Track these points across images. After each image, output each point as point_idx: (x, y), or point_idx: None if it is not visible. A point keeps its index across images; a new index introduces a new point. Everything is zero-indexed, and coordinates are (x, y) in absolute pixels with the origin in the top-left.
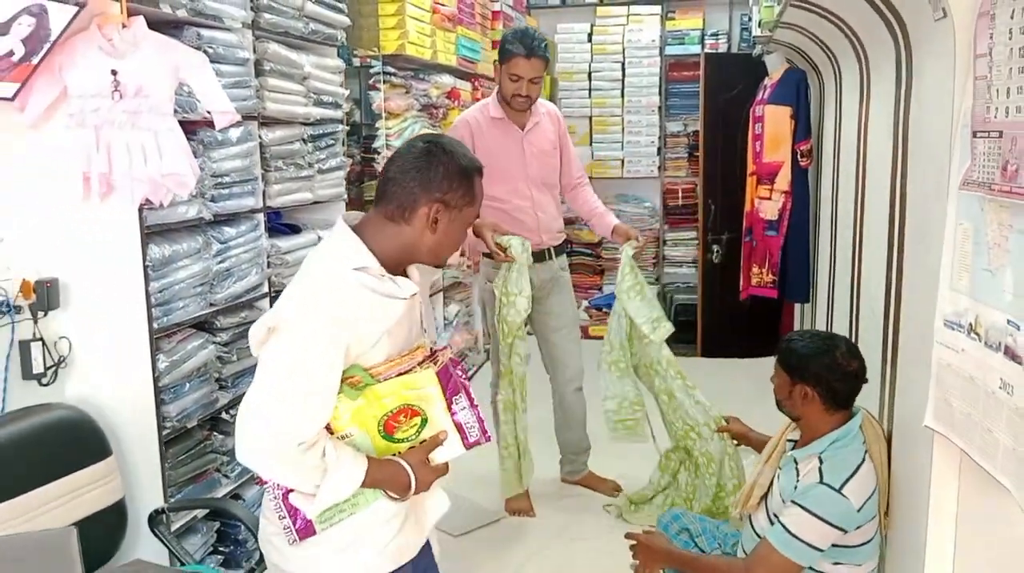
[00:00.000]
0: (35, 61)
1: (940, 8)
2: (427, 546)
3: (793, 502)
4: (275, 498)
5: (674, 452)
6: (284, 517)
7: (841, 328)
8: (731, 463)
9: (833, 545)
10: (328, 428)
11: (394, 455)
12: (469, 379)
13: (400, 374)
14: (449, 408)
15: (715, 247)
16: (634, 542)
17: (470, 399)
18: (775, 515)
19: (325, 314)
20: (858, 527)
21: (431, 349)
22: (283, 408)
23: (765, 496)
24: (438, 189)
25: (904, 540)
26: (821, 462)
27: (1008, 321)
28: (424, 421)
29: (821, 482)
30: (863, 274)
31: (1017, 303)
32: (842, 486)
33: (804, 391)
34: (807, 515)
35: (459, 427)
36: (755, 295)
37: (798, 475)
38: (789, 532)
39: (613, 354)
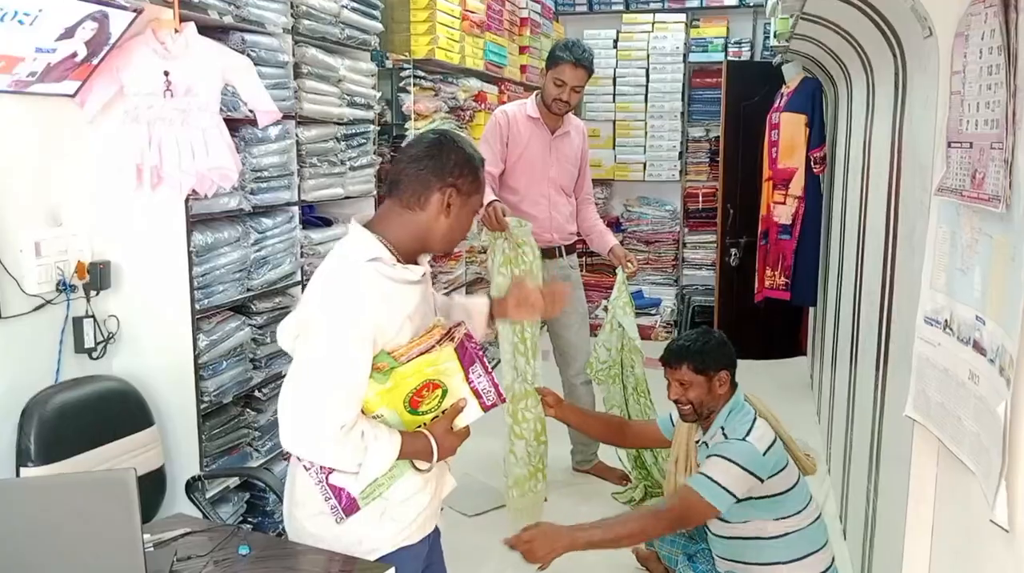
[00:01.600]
0: (95, 62)
1: (927, 27)
2: (436, 534)
3: (706, 458)
4: (320, 482)
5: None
6: (330, 498)
7: (845, 331)
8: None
9: (761, 497)
10: (361, 410)
11: (421, 426)
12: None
13: (421, 353)
14: (467, 377)
15: (733, 250)
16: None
17: (484, 367)
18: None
19: (348, 312)
20: (772, 475)
21: (447, 327)
22: (321, 400)
23: None
24: (450, 174)
25: (888, 521)
26: (723, 429)
27: (976, 316)
28: (445, 392)
29: (727, 438)
30: (865, 278)
31: (984, 300)
32: (744, 437)
33: (721, 378)
34: (720, 460)
35: (476, 393)
36: (769, 297)
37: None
38: (706, 476)
39: (607, 362)
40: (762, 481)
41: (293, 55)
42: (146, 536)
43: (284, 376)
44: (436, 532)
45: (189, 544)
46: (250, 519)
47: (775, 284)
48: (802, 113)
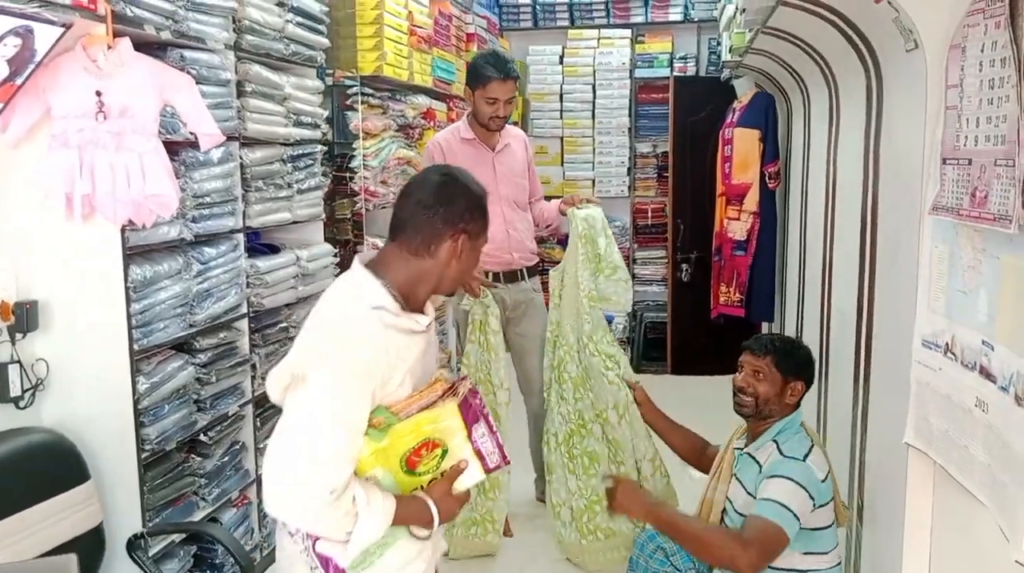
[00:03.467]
0: (19, 82)
1: (912, 39)
2: None
3: (767, 478)
4: (305, 549)
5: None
6: (316, 568)
7: (812, 347)
8: (641, 443)
9: (805, 529)
10: (354, 471)
11: (419, 488)
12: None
13: (422, 409)
14: (469, 437)
15: (684, 266)
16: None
17: (489, 426)
18: (758, 498)
19: (351, 363)
20: (821, 506)
21: (451, 382)
22: (313, 460)
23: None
24: (461, 219)
25: (881, 552)
26: (778, 445)
27: (983, 341)
28: (444, 452)
29: (784, 456)
30: (833, 295)
31: (991, 324)
32: (805, 457)
33: (795, 387)
34: (784, 481)
35: (479, 454)
36: (724, 314)
37: (759, 464)
38: (776, 501)
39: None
40: (813, 508)
41: (236, 72)
42: None
43: (231, 417)
44: None
45: None
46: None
47: (730, 300)
48: (756, 128)
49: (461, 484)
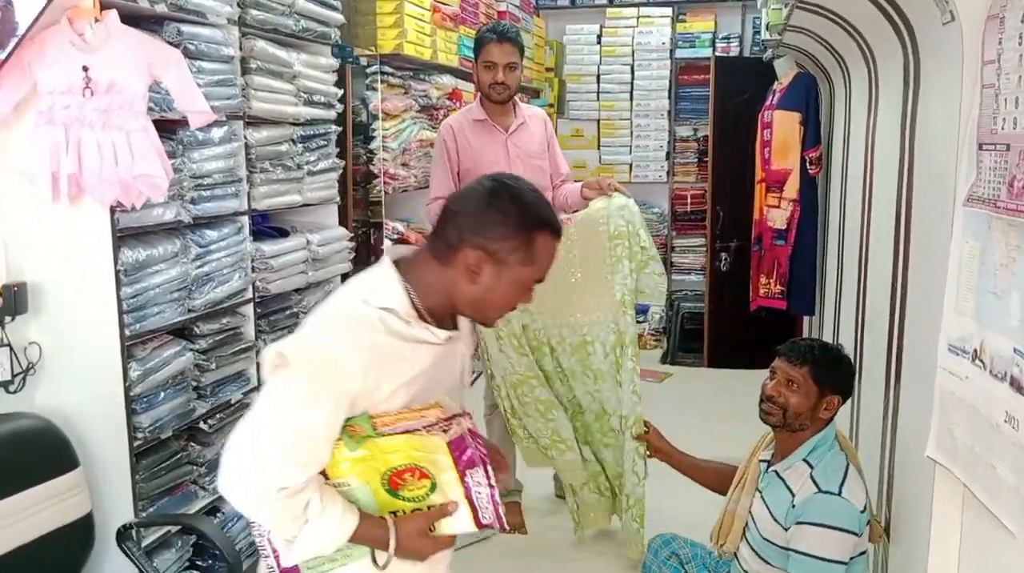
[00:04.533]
0: (2, 56)
1: (948, 11)
2: None
3: (799, 524)
4: (260, 535)
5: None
6: (268, 557)
7: (846, 344)
8: (635, 461)
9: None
10: (324, 473)
11: (395, 513)
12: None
13: (407, 431)
14: (462, 480)
15: (723, 255)
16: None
17: (487, 476)
18: (792, 548)
19: (333, 360)
20: (860, 535)
21: (449, 413)
22: (269, 449)
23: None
24: (485, 236)
25: (905, 572)
26: (811, 468)
27: (1015, 349)
28: (434, 485)
29: (820, 491)
30: (868, 290)
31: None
32: (840, 489)
33: (830, 402)
34: (821, 529)
35: (471, 502)
36: (764, 306)
37: (790, 490)
38: (811, 556)
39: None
40: (859, 537)
41: (240, 48)
42: None
43: (234, 404)
44: None
45: None
46: (199, 563)
47: (771, 292)
48: (796, 111)
49: (446, 527)
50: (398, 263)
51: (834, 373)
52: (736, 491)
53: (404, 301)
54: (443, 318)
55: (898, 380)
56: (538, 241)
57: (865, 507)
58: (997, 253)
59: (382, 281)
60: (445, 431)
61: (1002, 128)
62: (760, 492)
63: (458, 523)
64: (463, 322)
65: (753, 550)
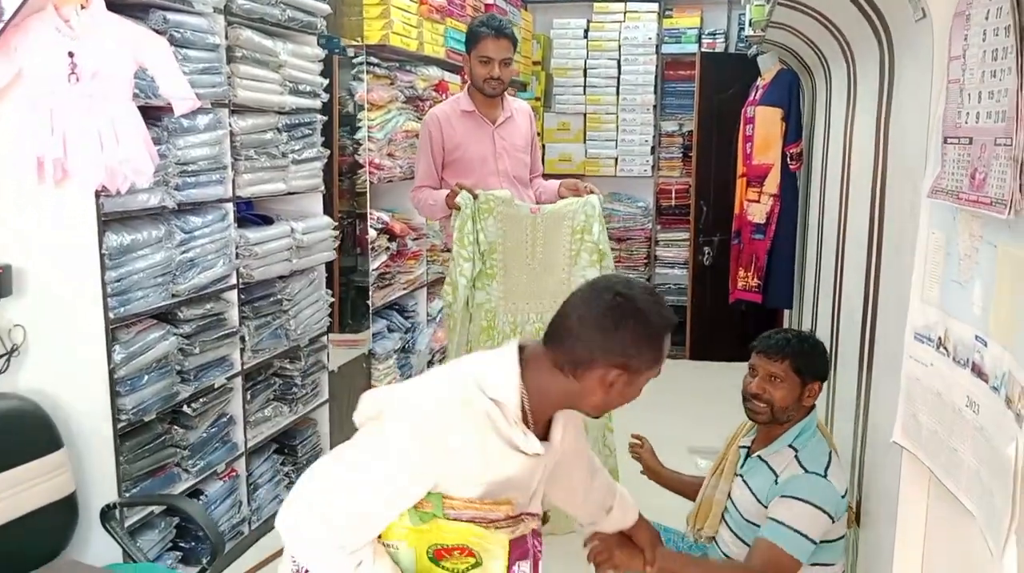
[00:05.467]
0: None
1: (920, 8)
2: None
3: (781, 497)
4: (294, 560)
5: None
6: None
7: (824, 337)
8: (605, 435)
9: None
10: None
11: None
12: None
13: (473, 520)
14: (509, 568)
15: (706, 249)
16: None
17: (535, 569)
18: (768, 517)
19: (430, 439)
20: (838, 520)
21: (519, 511)
22: (340, 509)
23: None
24: (621, 354)
25: (873, 555)
26: (796, 451)
27: (976, 337)
28: (478, 564)
29: (807, 472)
30: (844, 285)
31: (985, 318)
32: (825, 472)
33: (812, 389)
34: (800, 504)
35: None
36: (742, 299)
37: (774, 471)
38: (786, 525)
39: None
40: (833, 522)
41: (226, 37)
42: None
43: (217, 389)
44: None
45: None
46: (181, 544)
47: (748, 285)
48: (778, 107)
49: None
50: (522, 349)
51: (813, 360)
52: (714, 477)
53: (515, 400)
54: (543, 420)
55: (870, 368)
56: (663, 343)
57: (845, 493)
58: (960, 243)
59: (503, 372)
60: (510, 527)
61: (966, 122)
62: (741, 476)
63: None
64: (557, 431)
65: (734, 533)
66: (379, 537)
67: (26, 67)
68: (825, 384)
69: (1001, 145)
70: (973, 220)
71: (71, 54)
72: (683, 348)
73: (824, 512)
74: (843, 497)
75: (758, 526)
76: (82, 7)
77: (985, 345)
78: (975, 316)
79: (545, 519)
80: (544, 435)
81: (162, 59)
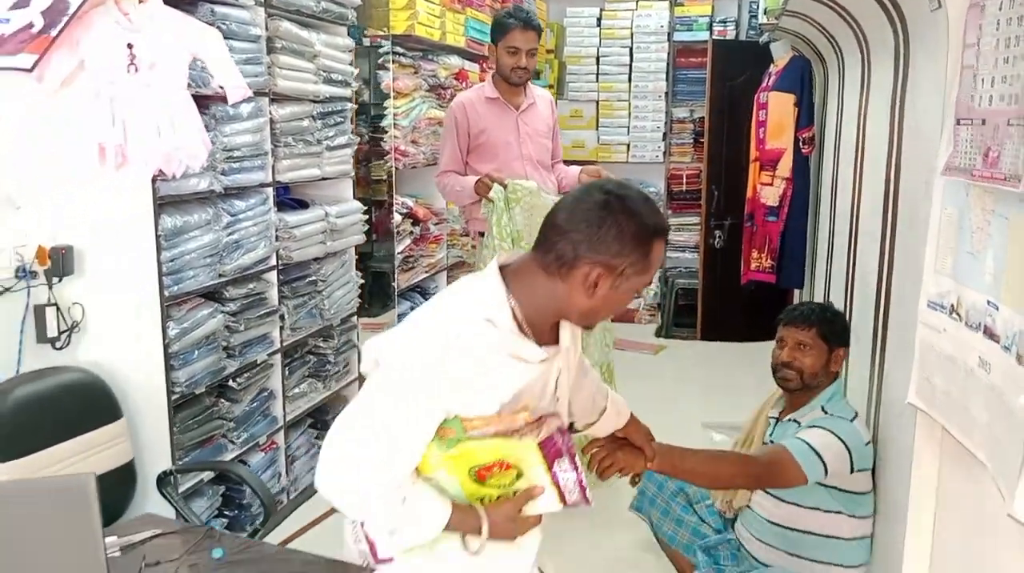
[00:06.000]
0: (53, 33)
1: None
2: None
3: (807, 427)
4: (353, 522)
5: None
6: (360, 542)
7: None
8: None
9: (844, 490)
10: (416, 469)
11: (481, 501)
12: None
13: (498, 434)
14: (549, 469)
15: (717, 233)
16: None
17: (572, 462)
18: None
19: (431, 367)
20: (862, 470)
21: (538, 415)
22: (367, 449)
23: None
24: (605, 251)
25: (888, 513)
26: (825, 411)
27: (988, 301)
28: (519, 475)
29: (832, 416)
30: (858, 263)
31: (997, 284)
32: (851, 420)
33: (839, 355)
34: (820, 430)
35: (557, 485)
36: (755, 280)
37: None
38: (802, 439)
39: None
40: (852, 470)
41: (266, 28)
42: (112, 539)
43: (259, 365)
44: None
45: (158, 547)
46: (226, 512)
47: (761, 266)
48: (791, 92)
49: (533, 509)
50: (503, 268)
51: (837, 327)
52: (743, 446)
53: (507, 314)
54: (543, 328)
55: (884, 338)
56: (653, 248)
57: (869, 443)
58: (974, 218)
59: (487, 291)
60: (534, 431)
61: (979, 105)
62: (770, 440)
63: (544, 504)
64: (566, 333)
65: (770, 495)
66: (419, 473)
67: (88, 58)
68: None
69: (1015, 125)
70: (986, 195)
71: (130, 45)
72: (694, 329)
73: (843, 442)
74: (867, 445)
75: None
76: (140, 1)
77: (997, 309)
78: (987, 283)
79: None
80: (552, 340)
81: (217, 50)
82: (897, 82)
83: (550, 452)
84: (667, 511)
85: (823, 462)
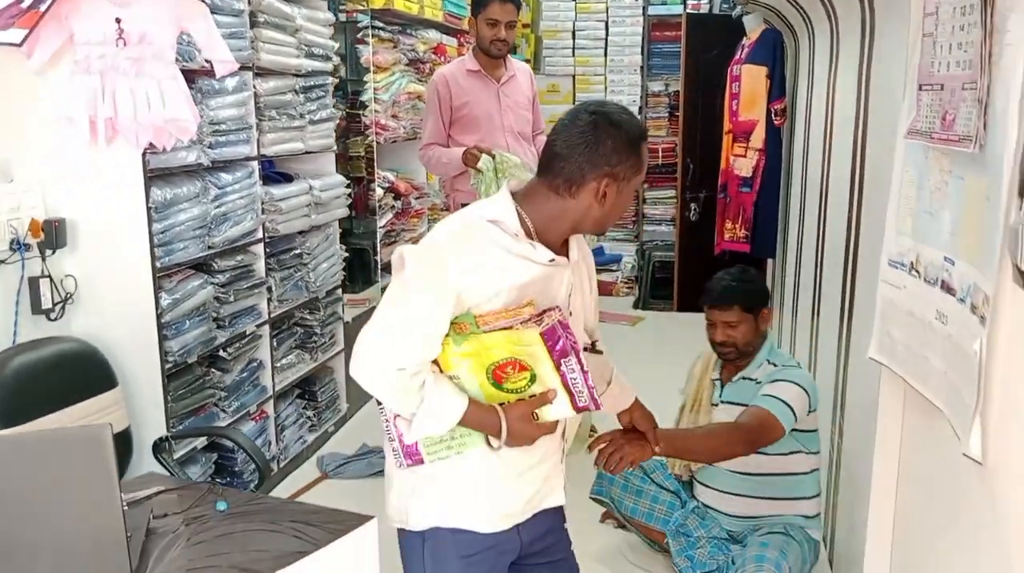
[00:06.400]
0: (42, 8)
1: None
2: (556, 522)
3: (772, 382)
4: (387, 419)
5: None
6: (393, 439)
7: (807, 280)
8: None
9: (803, 430)
10: (439, 366)
11: (501, 404)
12: None
13: (505, 328)
14: (558, 368)
15: (692, 205)
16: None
17: (580, 363)
18: (759, 394)
19: (443, 258)
20: (813, 410)
21: (540, 309)
22: (387, 336)
23: None
24: (607, 163)
25: (855, 462)
26: (772, 363)
27: (945, 257)
28: (533, 377)
29: (784, 366)
30: (828, 227)
31: (953, 241)
32: (797, 365)
33: (763, 315)
34: (786, 383)
35: (568, 388)
36: (729, 250)
37: (756, 381)
38: (774, 396)
39: None
40: (809, 410)
41: (249, 3)
42: None
43: (248, 335)
44: (552, 528)
45: (164, 502)
46: (219, 480)
47: (735, 236)
48: (763, 65)
49: (547, 413)
50: (514, 193)
51: (755, 292)
52: (691, 414)
53: (513, 218)
54: (555, 241)
55: (852, 297)
56: (642, 149)
57: (814, 388)
58: (932, 178)
59: (497, 201)
60: (538, 324)
61: (938, 71)
62: (727, 401)
63: (557, 409)
64: (574, 248)
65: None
66: (443, 370)
67: (77, 33)
68: (809, 315)
69: (968, 89)
70: (943, 157)
71: (118, 20)
72: (671, 301)
73: (803, 389)
74: (815, 387)
75: None
76: None
77: (953, 264)
78: (944, 241)
79: None
80: (563, 254)
81: (205, 24)
82: (864, 50)
83: (554, 347)
84: (626, 486)
85: (794, 412)
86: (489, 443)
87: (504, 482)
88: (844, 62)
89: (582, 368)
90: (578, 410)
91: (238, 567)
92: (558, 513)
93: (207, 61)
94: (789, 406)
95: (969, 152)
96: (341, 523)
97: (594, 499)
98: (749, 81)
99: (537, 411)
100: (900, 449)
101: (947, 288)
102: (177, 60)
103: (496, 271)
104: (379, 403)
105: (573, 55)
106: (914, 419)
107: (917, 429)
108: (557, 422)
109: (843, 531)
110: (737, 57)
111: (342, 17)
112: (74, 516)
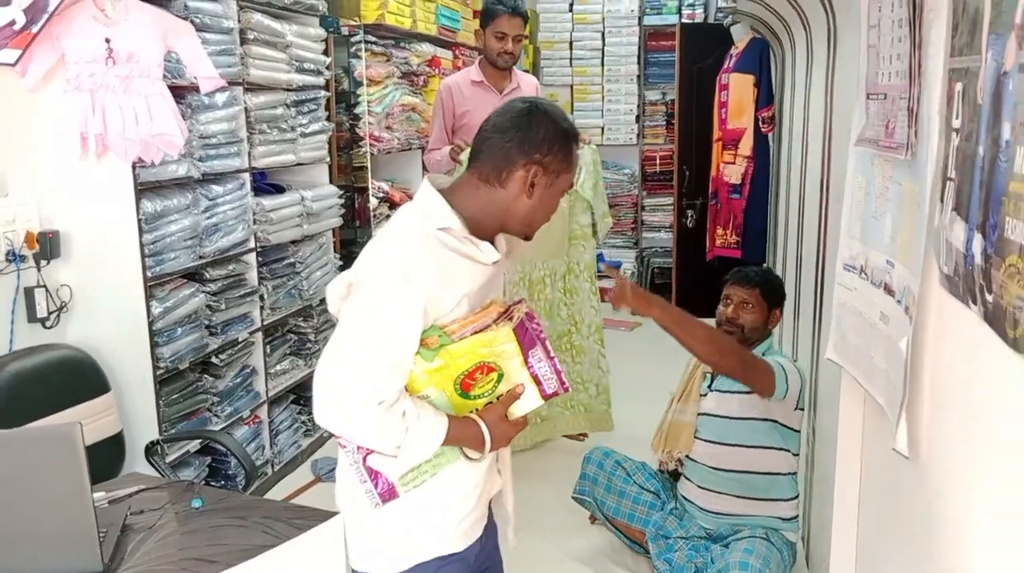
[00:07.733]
0: (35, 30)
1: None
2: (493, 531)
3: (768, 355)
4: (355, 463)
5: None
6: (366, 481)
7: (790, 282)
8: (599, 359)
9: (788, 427)
10: (406, 389)
11: (472, 412)
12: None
13: (476, 332)
14: (526, 361)
15: (689, 212)
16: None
17: (546, 351)
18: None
19: (402, 274)
20: (800, 409)
21: (506, 305)
22: (362, 368)
23: None
24: (537, 150)
25: (824, 461)
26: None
27: (887, 261)
28: (500, 376)
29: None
30: (804, 232)
31: (893, 245)
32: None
33: (775, 315)
34: (785, 359)
35: (536, 379)
36: (721, 256)
37: None
38: (777, 362)
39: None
40: (797, 405)
41: (238, 21)
42: (100, 494)
43: (241, 342)
44: (491, 529)
45: (143, 500)
46: (212, 483)
47: (727, 242)
48: (750, 73)
49: (518, 409)
50: (441, 191)
51: (777, 290)
52: (679, 402)
53: (456, 221)
54: (483, 237)
55: (821, 299)
56: (573, 149)
57: (804, 383)
58: (876, 184)
59: (430, 204)
60: (511, 319)
61: (882, 81)
62: (711, 390)
63: (527, 402)
64: (501, 243)
65: (712, 442)
66: (411, 392)
67: (68, 52)
68: (792, 317)
69: (903, 99)
70: (886, 163)
71: (107, 40)
72: None
73: (799, 374)
74: (806, 383)
75: (741, 420)
76: None
77: (893, 267)
78: (886, 244)
79: None
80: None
81: (190, 43)
82: (829, 58)
83: (524, 340)
84: (609, 486)
85: (787, 383)
86: (467, 455)
87: (475, 487)
88: (815, 70)
89: (548, 355)
90: (546, 398)
91: (204, 559)
92: (495, 529)
93: (194, 77)
94: (785, 374)
95: (903, 159)
96: (308, 519)
97: (576, 499)
98: (737, 89)
99: (509, 409)
100: (862, 448)
101: (888, 290)
102: (166, 77)
103: (454, 278)
104: (342, 446)
105: (571, 65)
106: (873, 420)
107: (875, 429)
108: (527, 419)
109: (816, 529)
110: (726, 66)
111: (344, 31)
112: (47, 511)
